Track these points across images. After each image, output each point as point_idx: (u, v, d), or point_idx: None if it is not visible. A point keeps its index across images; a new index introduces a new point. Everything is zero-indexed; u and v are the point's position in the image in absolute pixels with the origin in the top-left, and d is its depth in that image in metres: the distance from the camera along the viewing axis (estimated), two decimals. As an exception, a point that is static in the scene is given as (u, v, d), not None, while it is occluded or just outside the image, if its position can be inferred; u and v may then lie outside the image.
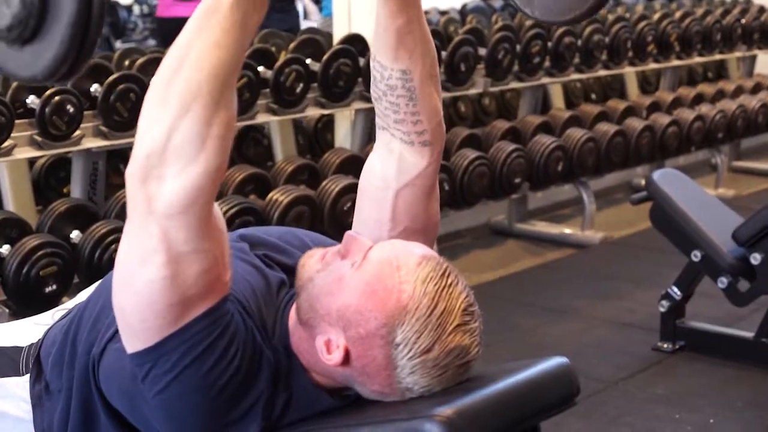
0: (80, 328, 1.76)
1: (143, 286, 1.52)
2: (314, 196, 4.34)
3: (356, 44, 4.85)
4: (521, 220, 5.88)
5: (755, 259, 3.63)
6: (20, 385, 1.84)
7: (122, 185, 1.96)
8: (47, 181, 4.48)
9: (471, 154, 5.02)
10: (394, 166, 1.78)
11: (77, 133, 3.81)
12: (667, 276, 4.05)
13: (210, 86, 1.44)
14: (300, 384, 1.66)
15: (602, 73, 6.28)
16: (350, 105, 4.82)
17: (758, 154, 7.86)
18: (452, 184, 4.90)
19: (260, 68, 4.50)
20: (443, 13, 7.81)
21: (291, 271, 1.74)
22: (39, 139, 3.73)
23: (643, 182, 4.47)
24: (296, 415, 1.65)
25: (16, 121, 3.64)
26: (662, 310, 3.96)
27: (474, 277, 4.83)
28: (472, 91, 5.48)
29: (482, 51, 5.31)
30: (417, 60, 1.72)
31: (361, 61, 4.71)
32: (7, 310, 3.62)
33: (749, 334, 3.84)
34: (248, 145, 5.05)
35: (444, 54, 5.02)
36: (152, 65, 4.57)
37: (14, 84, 3.94)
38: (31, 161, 4.29)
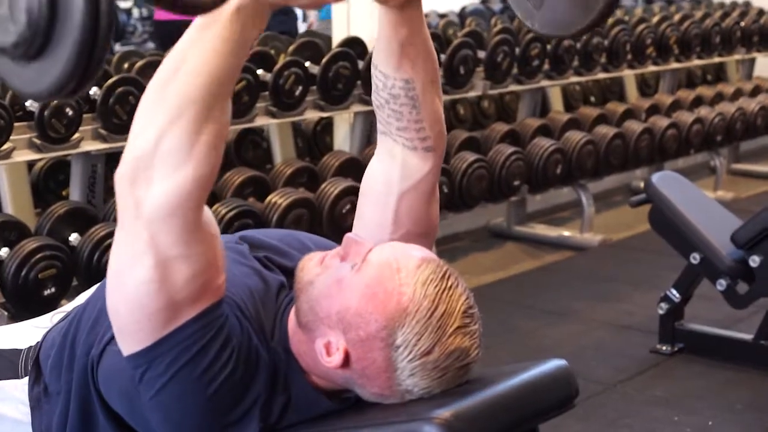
0: (79, 330, 1.76)
1: (133, 288, 1.52)
2: (313, 198, 4.34)
3: (355, 47, 4.85)
4: (520, 222, 5.88)
5: (754, 261, 3.63)
6: (19, 388, 1.84)
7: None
8: (46, 184, 4.48)
9: (470, 156, 5.03)
10: (397, 171, 1.78)
11: (76, 136, 3.81)
12: (666, 278, 4.05)
13: (203, 95, 1.44)
14: (299, 386, 1.66)
15: (601, 75, 6.28)
16: (349, 108, 4.82)
17: (757, 156, 7.86)
18: (451, 186, 4.90)
19: (259, 71, 4.50)
20: (442, 16, 7.82)
21: (291, 273, 1.74)
22: (38, 141, 3.73)
23: (642, 185, 4.47)
24: (295, 417, 1.65)
25: (15, 124, 3.64)
26: (661, 312, 3.96)
27: (473, 280, 4.83)
28: (471, 94, 5.48)
29: (481, 54, 5.32)
30: (419, 69, 1.72)
31: (360, 64, 4.71)
32: (5, 313, 3.62)
33: (748, 337, 3.84)
34: (247, 148, 5.05)
35: (443, 57, 5.02)
36: (151, 68, 4.56)
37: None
38: (30, 164, 4.29)
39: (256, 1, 1.43)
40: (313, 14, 8.74)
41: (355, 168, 4.68)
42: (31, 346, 1.90)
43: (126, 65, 4.89)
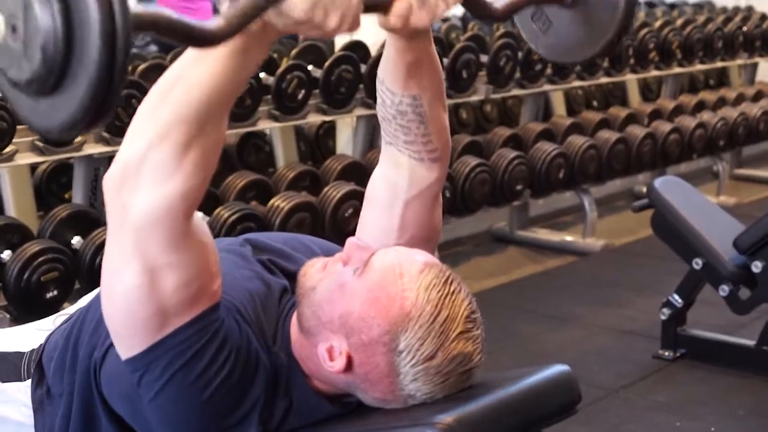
0: (82, 332, 1.76)
1: (123, 294, 1.53)
2: (315, 202, 4.34)
3: (358, 51, 4.85)
4: (522, 227, 5.88)
5: (756, 267, 3.63)
6: (21, 390, 1.84)
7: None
8: (49, 187, 4.48)
9: (472, 161, 5.02)
10: (404, 178, 1.78)
11: (79, 138, 3.81)
12: (668, 284, 4.04)
13: (197, 113, 1.44)
14: (301, 391, 1.66)
15: (604, 80, 6.28)
16: (352, 111, 4.82)
17: (759, 161, 7.86)
18: (454, 191, 4.90)
19: (262, 74, 4.50)
20: (445, 20, 7.81)
21: (294, 277, 1.74)
22: (41, 144, 3.73)
23: (644, 190, 4.47)
24: (297, 422, 1.65)
25: (18, 127, 3.64)
26: (663, 317, 3.95)
27: (475, 284, 4.83)
28: (474, 98, 5.49)
29: (484, 58, 5.32)
30: (426, 86, 1.72)
31: (363, 68, 4.71)
32: (8, 316, 3.62)
33: (750, 342, 3.83)
34: (250, 152, 5.06)
35: (446, 61, 5.02)
36: (154, 71, 4.57)
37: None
38: (33, 167, 4.29)
39: (264, 32, 1.43)
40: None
41: (357, 172, 4.68)
42: (33, 349, 1.90)
43: (129, 68, 4.89)
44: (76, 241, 3.80)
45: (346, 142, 5.11)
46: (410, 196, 1.79)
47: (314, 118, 4.80)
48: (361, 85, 4.74)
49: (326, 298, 1.62)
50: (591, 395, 3.57)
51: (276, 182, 4.55)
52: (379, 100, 1.77)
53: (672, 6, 9.11)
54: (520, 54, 5.49)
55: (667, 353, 3.97)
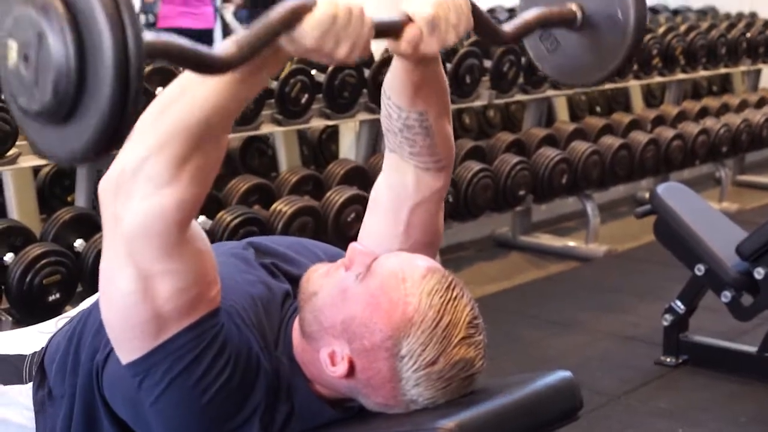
0: (84, 334, 1.76)
1: (119, 299, 1.53)
2: (318, 206, 4.34)
3: (361, 55, 4.84)
4: (525, 232, 5.88)
5: (759, 273, 3.63)
6: (23, 393, 1.84)
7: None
8: (51, 190, 4.49)
9: (475, 166, 5.02)
10: (410, 186, 1.78)
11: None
12: (671, 290, 4.04)
13: (197, 128, 1.44)
14: (303, 395, 1.66)
15: (607, 86, 6.28)
16: (355, 116, 4.82)
17: (762, 168, 7.86)
18: (456, 196, 4.90)
19: (265, 78, 4.49)
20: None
21: (297, 281, 1.74)
22: (44, 147, 3.73)
23: (647, 195, 4.47)
24: (298, 426, 1.65)
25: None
26: (665, 323, 3.95)
27: (477, 289, 4.83)
28: (477, 103, 5.48)
29: (487, 63, 5.32)
30: (433, 102, 1.73)
31: (366, 73, 4.71)
32: (10, 318, 3.62)
33: (752, 349, 3.83)
34: (253, 156, 5.05)
35: (449, 66, 5.02)
36: (157, 75, 4.58)
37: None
38: (36, 169, 4.29)
39: (274, 56, 1.44)
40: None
41: (360, 176, 4.68)
42: (35, 352, 1.90)
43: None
44: (78, 244, 3.80)
45: (349, 146, 5.11)
46: (416, 203, 1.79)
47: (317, 123, 4.80)
48: (365, 90, 4.75)
49: (328, 303, 1.62)
50: (593, 401, 3.57)
51: (279, 186, 4.55)
52: (384, 113, 1.77)
53: (675, 12, 9.11)
54: (523, 59, 5.49)
55: (669, 359, 3.97)
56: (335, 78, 4.62)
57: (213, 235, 3.93)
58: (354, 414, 1.69)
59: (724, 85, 7.95)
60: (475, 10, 1.64)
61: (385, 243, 1.78)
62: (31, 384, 1.84)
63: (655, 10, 9.15)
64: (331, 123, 4.92)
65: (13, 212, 3.99)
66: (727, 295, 3.73)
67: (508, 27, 1.73)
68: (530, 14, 1.75)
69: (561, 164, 5.45)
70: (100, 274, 1.56)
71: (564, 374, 1.75)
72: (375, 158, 4.84)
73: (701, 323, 4.06)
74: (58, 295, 3.61)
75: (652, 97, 7.31)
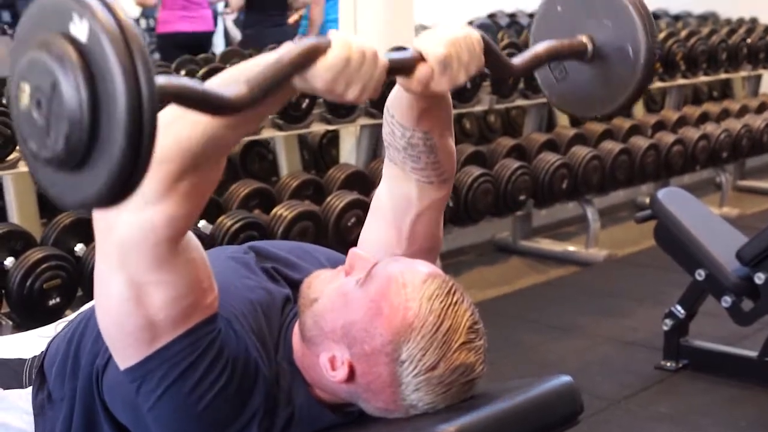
0: (84, 338, 1.77)
1: (112, 307, 1.54)
2: (319, 211, 4.34)
3: (362, 60, 4.85)
4: (525, 237, 5.88)
5: (759, 278, 3.63)
6: (23, 398, 1.84)
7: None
8: (52, 194, 4.48)
9: (476, 171, 5.03)
10: (413, 195, 1.77)
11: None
12: (671, 294, 4.05)
13: (194, 150, 1.43)
14: (303, 400, 1.66)
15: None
16: (355, 121, 4.82)
17: (763, 173, 7.85)
18: (457, 200, 4.90)
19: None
20: (449, 29, 7.81)
21: (298, 286, 1.74)
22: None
23: (647, 201, 4.47)
24: (298, 431, 1.65)
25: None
26: (666, 328, 3.95)
27: (478, 294, 4.83)
28: (478, 108, 5.49)
29: (488, 68, 5.31)
30: (437, 122, 1.73)
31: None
32: (10, 323, 3.62)
33: (753, 354, 3.83)
34: (253, 160, 5.06)
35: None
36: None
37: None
38: (37, 174, 4.29)
39: (283, 92, 1.44)
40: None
41: (361, 181, 4.68)
42: (35, 356, 1.90)
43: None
44: (79, 248, 3.80)
45: (349, 151, 5.11)
46: (418, 212, 1.79)
47: (318, 128, 4.81)
48: (365, 95, 4.74)
49: (328, 308, 1.62)
50: (593, 406, 3.57)
51: (279, 191, 4.55)
52: (387, 129, 1.76)
53: (676, 18, 9.13)
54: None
55: (669, 364, 3.97)
56: (336, 83, 4.62)
57: (213, 240, 3.93)
58: (354, 419, 1.69)
59: (725, 90, 7.95)
60: (487, 46, 1.64)
61: (386, 249, 1.78)
62: (30, 388, 1.85)
63: (655, 16, 9.15)
64: (331, 128, 4.93)
65: (14, 216, 4.00)
66: (727, 300, 3.73)
67: (518, 60, 1.74)
68: (541, 47, 1.75)
69: (561, 169, 5.45)
70: (95, 280, 1.57)
71: (564, 379, 1.75)
72: (375, 163, 4.84)
73: (701, 328, 4.06)
74: (58, 300, 3.61)
75: (653, 102, 7.31)
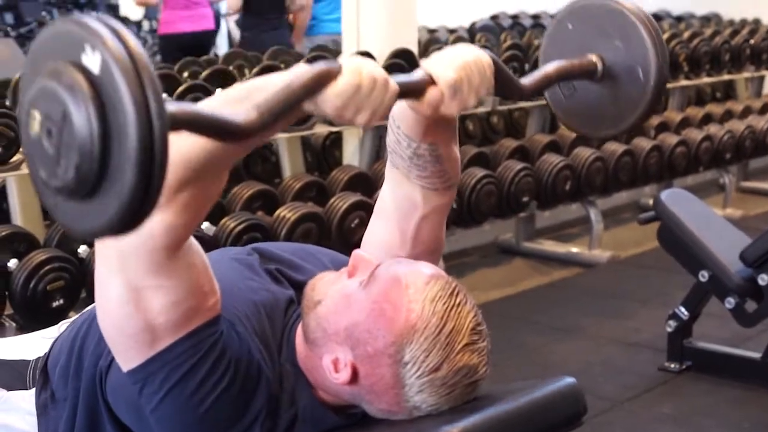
0: (87, 339, 1.77)
1: (112, 308, 1.54)
2: (322, 213, 4.34)
3: (365, 62, 4.84)
4: (528, 238, 5.88)
5: (763, 279, 3.62)
6: (26, 399, 1.85)
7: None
8: (55, 196, 4.48)
9: (479, 172, 5.03)
10: (418, 200, 1.77)
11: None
12: (675, 296, 4.04)
13: (196, 163, 1.43)
14: (306, 401, 1.66)
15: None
16: (358, 122, 4.81)
17: (766, 174, 7.84)
18: (460, 202, 4.90)
19: (269, 85, 4.49)
20: (452, 31, 7.83)
21: (301, 287, 1.74)
22: (48, 153, 3.73)
23: (650, 202, 4.47)
24: (302, 432, 1.65)
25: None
26: (669, 329, 3.95)
27: (481, 296, 4.83)
28: (481, 110, 5.49)
29: (491, 69, 5.31)
30: (444, 133, 1.72)
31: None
32: (14, 324, 3.62)
33: (756, 355, 3.83)
34: (256, 162, 5.06)
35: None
36: (161, 81, 4.57)
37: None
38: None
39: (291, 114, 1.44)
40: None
41: (364, 183, 4.68)
42: (39, 357, 1.90)
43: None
44: (82, 250, 3.80)
45: (352, 152, 5.12)
46: (423, 216, 1.78)
47: (321, 129, 4.81)
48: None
49: (332, 309, 1.62)
50: (597, 407, 3.57)
51: (282, 193, 4.55)
52: (392, 138, 1.75)
53: (679, 19, 9.12)
54: (527, 65, 5.49)
55: (673, 365, 3.97)
56: (339, 84, 4.62)
57: (216, 241, 3.93)
58: (357, 420, 1.69)
59: (728, 91, 7.95)
60: (497, 69, 1.64)
61: (390, 251, 1.78)
62: (34, 389, 1.85)
63: (658, 17, 9.15)
64: (334, 129, 4.93)
65: (17, 218, 4.00)
66: (731, 302, 3.73)
67: (527, 80, 1.73)
68: (551, 67, 1.75)
69: (564, 170, 5.45)
70: (95, 282, 1.57)
71: (568, 380, 1.75)
72: (379, 164, 4.84)
73: (705, 329, 4.06)
74: (61, 301, 3.62)
75: (656, 104, 7.30)
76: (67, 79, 1.15)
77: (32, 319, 3.55)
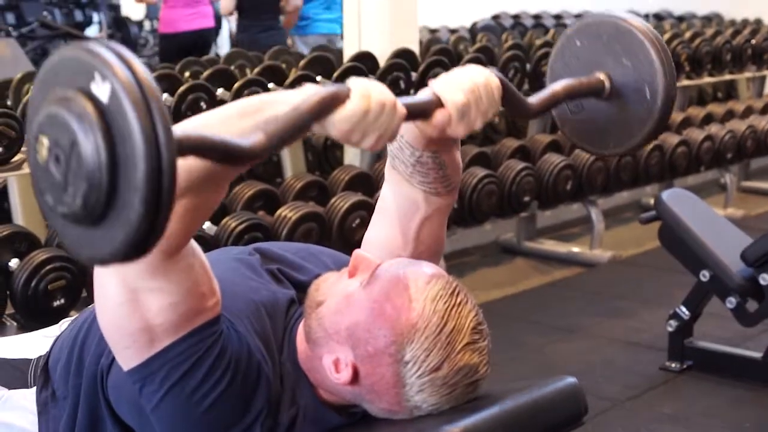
0: (88, 337, 1.77)
1: (110, 308, 1.54)
2: (323, 212, 4.34)
3: (366, 62, 4.86)
4: (530, 238, 5.88)
5: (764, 279, 3.62)
6: (28, 398, 1.85)
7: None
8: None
9: (480, 172, 5.03)
10: (420, 202, 1.77)
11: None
12: (676, 296, 4.04)
13: (196, 174, 1.43)
14: (307, 401, 1.66)
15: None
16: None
17: (767, 174, 7.85)
18: (461, 201, 4.90)
19: (271, 85, 4.51)
20: (453, 31, 7.84)
21: (303, 287, 1.74)
22: (49, 153, 3.74)
23: (652, 202, 4.46)
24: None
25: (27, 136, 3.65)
26: (670, 329, 3.95)
27: (482, 295, 4.83)
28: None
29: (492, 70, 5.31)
30: (447, 142, 1.72)
31: (372, 79, 4.71)
32: (15, 324, 3.63)
33: (757, 355, 3.83)
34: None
35: (454, 72, 5.02)
36: (163, 81, 4.59)
37: (25, 98, 3.95)
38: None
39: None
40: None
41: (365, 183, 4.68)
42: (40, 356, 1.90)
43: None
44: (83, 249, 3.80)
45: (353, 152, 5.12)
46: (424, 218, 1.78)
47: (322, 129, 4.79)
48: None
49: (333, 309, 1.62)
50: (597, 407, 3.57)
51: (283, 192, 4.55)
52: (395, 145, 1.75)
53: (680, 19, 9.13)
54: (528, 66, 5.49)
55: (673, 365, 3.97)
56: (340, 84, 4.62)
57: (217, 241, 3.93)
58: (358, 419, 1.69)
59: (729, 91, 7.95)
60: (506, 91, 1.64)
61: (391, 250, 1.78)
62: (35, 388, 1.85)
63: (659, 17, 9.16)
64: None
65: (18, 218, 4.00)
66: (732, 301, 3.72)
67: (535, 100, 1.74)
68: (558, 86, 1.75)
69: (565, 170, 5.45)
70: (94, 281, 1.57)
71: (569, 380, 1.75)
72: (380, 164, 4.84)
73: (706, 329, 4.06)
74: (62, 301, 3.62)
75: (657, 103, 7.30)
76: (76, 108, 1.15)
77: (33, 318, 3.55)
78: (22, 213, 4.00)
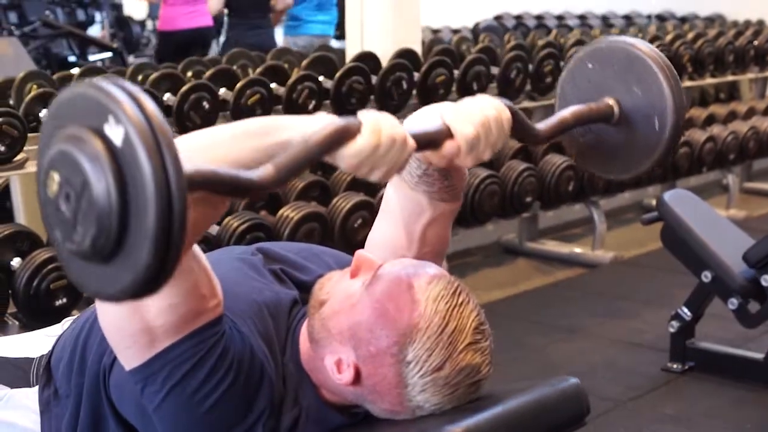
0: (90, 336, 1.77)
1: (111, 309, 1.54)
2: (325, 212, 4.34)
3: (369, 62, 4.86)
4: (532, 238, 5.88)
5: (766, 280, 3.62)
6: (30, 397, 1.85)
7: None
8: (59, 195, 4.48)
9: (482, 172, 5.02)
10: (425, 206, 1.76)
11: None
12: (677, 296, 4.04)
13: (199, 196, 1.43)
14: (310, 401, 1.66)
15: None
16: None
17: (769, 175, 7.85)
18: (463, 202, 4.86)
19: (273, 85, 4.51)
20: (455, 31, 7.84)
21: (306, 288, 1.74)
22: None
23: (654, 202, 4.46)
24: (305, 432, 1.65)
25: (29, 135, 3.65)
26: (672, 330, 3.95)
27: (484, 296, 4.83)
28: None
29: (495, 70, 5.32)
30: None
31: (374, 79, 4.71)
32: (17, 323, 3.63)
33: (759, 356, 3.83)
34: (260, 161, 5.05)
35: (456, 73, 5.02)
36: (165, 80, 4.59)
37: (27, 97, 3.95)
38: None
39: None
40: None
41: (367, 183, 4.66)
42: (42, 355, 1.90)
43: (140, 77, 4.91)
44: (85, 249, 3.80)
45: (356, 152, 5.10)
46: (429, 220, 1.77)
47: (324, 129, 4.79)
48: (372, 96, 4.75)
49: (335, 309, 1.62)
50: (599, 407, 3.56)
51: (285, 192, 4.55)
52: None
53: (683, 20, 9.13)
54: (530, 66, 5.49)
55: (675, 366, 3.96)
56: (342, 84, 4.63)
57: (219, 241, 3.94)
58: (360, 420, 1.69)
59: (732, 92, 7.95)
60: (516, 121, 1.65)
61: (395, 251, 1.77)
62: (37, 387, 1.85)
63: (662, 18, 9.16)
64: (338, 129, 4.91)
65: (20, 217, 4.01)
66: (734, 302, 3.72)
67: (543, 126, 1.73)
68: (567, 112, 1.75)
69: (568, 171, 5.45)
70: None
71: (571, 380, 1.75)
72: (382, 164, 4.83)
73: (708, 330, 4.06)
74: (64, 300, 3.62)
75: (659, 104, 7.29)
76: (89, 149, 1.16)
77: (35, 317, 3.55)
78: (24, 212, 4.00)
